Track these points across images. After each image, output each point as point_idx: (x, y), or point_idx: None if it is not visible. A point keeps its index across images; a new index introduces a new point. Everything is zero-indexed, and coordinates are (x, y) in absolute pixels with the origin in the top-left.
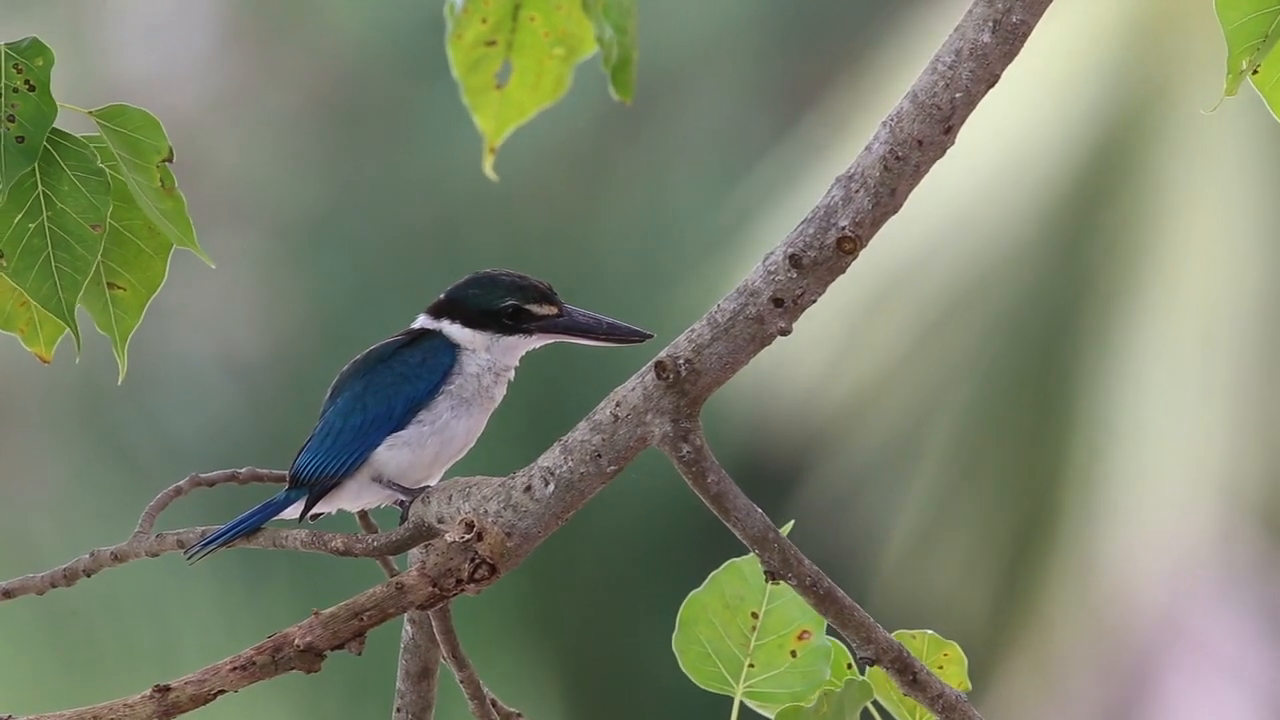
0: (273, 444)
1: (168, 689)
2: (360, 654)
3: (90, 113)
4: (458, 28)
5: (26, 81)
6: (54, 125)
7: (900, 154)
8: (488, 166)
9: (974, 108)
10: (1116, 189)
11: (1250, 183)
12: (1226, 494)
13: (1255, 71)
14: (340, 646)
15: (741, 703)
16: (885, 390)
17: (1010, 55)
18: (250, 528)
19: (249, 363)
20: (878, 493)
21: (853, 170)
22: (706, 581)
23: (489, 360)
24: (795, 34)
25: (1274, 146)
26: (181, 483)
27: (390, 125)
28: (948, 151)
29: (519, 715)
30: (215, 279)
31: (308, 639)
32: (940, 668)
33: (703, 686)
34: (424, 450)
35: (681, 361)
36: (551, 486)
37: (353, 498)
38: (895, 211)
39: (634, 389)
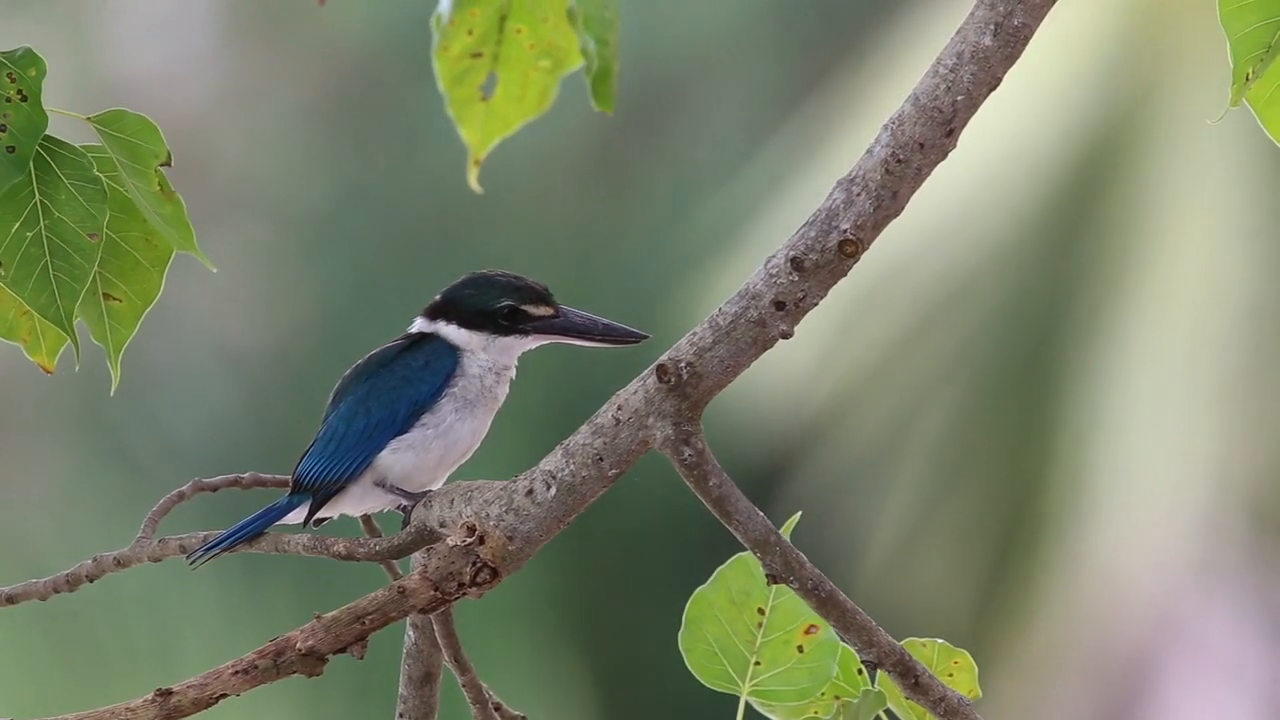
0: (273, 444)
1: (169, 693)
2: (362, 658)
3: (88, 119)
4: (444, 39)
5: (19, 91)
6: (51, 133)
7: (902, 157)
8: (472, 179)
9: (975, 111)
10: (1104, 190)
11: (1238, 184)
12: (1214, 492)
13: (1247, 79)
14: (342, 650)
15: (748, 704)
16: (872, 389)
17: (1011, 58)
18: (253, 532)
19: (249, 363)
20: (863, 491)
21: (854, 173)
22: (713, 577)
23: (488, 361)
24: (800, 37)
25: (1262, 150)
26: (184, 487)
27: (393, 123)
28: (949, 154)
29: (523, 719)
30: (215, 279)
31: (310, 643)
32: (950, 675)
33: (709, 686)
34: (428, 453)
35: (683, 365)
36: (553, 490)
37: (356, 502)
38: (897, 214)
39: (636, 392)
